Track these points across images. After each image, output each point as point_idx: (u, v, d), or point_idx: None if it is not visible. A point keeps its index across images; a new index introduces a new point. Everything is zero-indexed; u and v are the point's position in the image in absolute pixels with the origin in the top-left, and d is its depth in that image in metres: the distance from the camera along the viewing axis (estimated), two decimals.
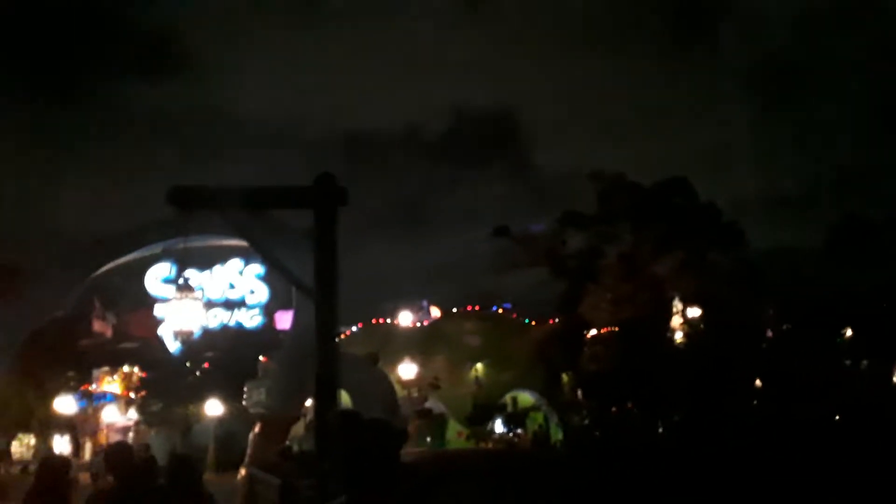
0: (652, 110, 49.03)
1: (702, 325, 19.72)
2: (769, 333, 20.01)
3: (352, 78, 52.07)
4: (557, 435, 20.94)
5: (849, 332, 20.04)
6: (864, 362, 19.65)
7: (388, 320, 24.77)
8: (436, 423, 21.72)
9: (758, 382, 18.87)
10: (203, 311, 24.28)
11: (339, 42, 54.83)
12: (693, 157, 40.00)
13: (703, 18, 57.55)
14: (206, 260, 24.88)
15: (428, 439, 21.14)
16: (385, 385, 21.81)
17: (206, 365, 22.79)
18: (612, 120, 47.88)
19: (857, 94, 44.85)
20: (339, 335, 8.34)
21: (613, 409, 19.08)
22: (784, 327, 19.77)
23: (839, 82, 46.78)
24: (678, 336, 19.94)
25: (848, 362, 19.42)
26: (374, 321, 25.18)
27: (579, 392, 20.78)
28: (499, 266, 23.04)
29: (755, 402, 18.09)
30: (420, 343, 23.79)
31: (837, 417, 16.49)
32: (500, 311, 25.60)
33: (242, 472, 8.01)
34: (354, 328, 25.03)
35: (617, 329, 19.94)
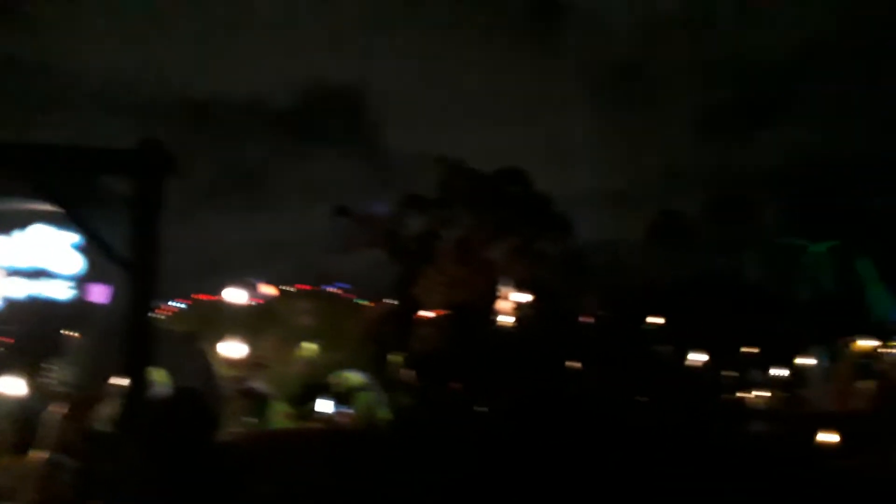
0: (503, 98, 50.42)
1: (529, 310, 20.66)
2: (590, 319, 21.34)
3: (198, 43, 49.06)
4: (384, 414, 21.16)
5: (658, 320, 21.84)
6: (667, 348, 21.50)
7: (217, 297, 23.82)
8: (258, 403, 21.22)
9: (578, 365, 20.04)
10: (6, 280, 22.18)
11: (186, 4, 51.64)
12: (538, 148, 41.69)
13: (556, 13, 59.78)
14: (11, 224, 22.64)
15: (249, 419, 20.60)
16: (203, 363, 20.98)
17: (6, 339, 20.79)
18: (462, 105, 48.77)
19: (686, 100, 48.67)
20: (156, 311, 7.87)
21: (442, 389, 19.54)
22: (601, 314, 21.18)
23: (670, 87, 50.37)
24: (507, 319, 20.73)
25: (653, 348, 21.16)
26: (200, 297, 24.16)
27: (408, 372, 21.10)
28: (337, 246, 22.84)
29: (571, 384, 19.21)
30: (250, 321, 23.10)
31: (642, 399, 17.88)
32: (337, 290, 25.42)
33: (36, 454, 7.39)
34: (179, 304, 23.87)
35: (449, 311, 20.44)
